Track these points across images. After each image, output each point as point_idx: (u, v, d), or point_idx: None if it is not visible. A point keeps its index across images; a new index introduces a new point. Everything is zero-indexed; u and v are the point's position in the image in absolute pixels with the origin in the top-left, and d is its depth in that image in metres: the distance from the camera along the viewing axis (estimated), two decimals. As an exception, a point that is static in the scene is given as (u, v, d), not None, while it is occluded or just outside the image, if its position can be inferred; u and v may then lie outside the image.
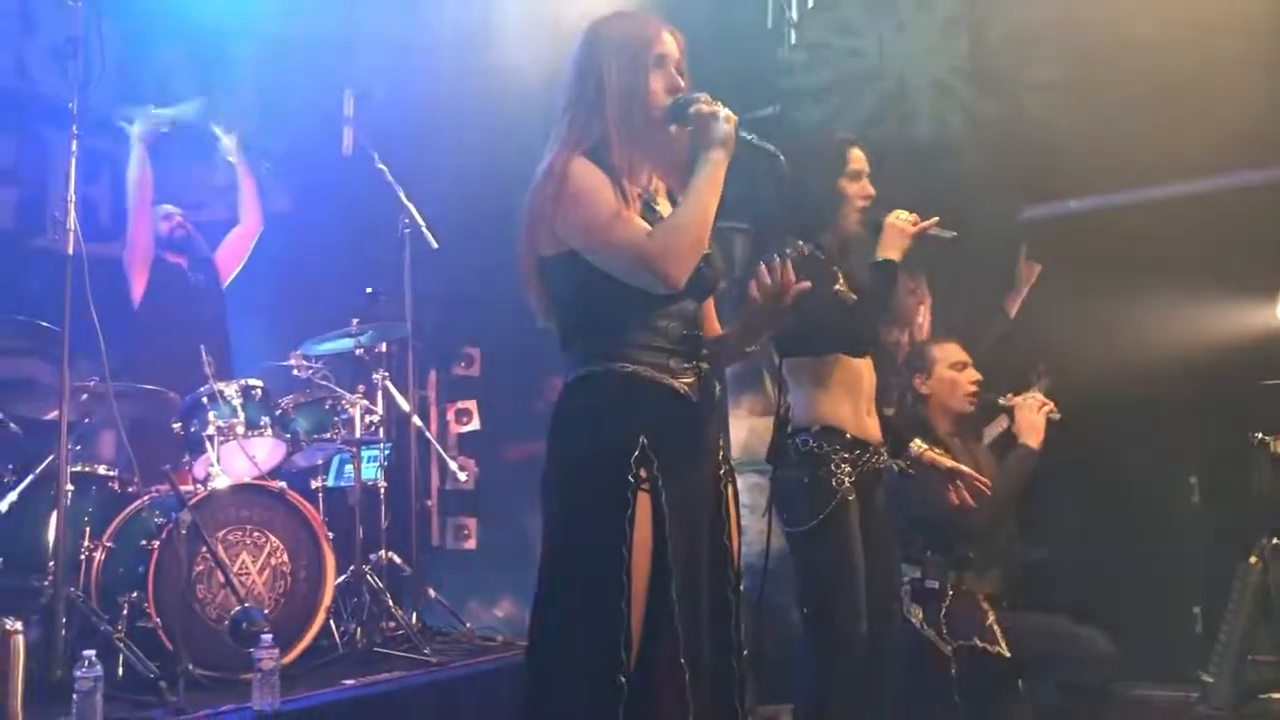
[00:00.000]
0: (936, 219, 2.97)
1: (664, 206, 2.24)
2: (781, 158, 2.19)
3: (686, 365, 2.16)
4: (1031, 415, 3.49)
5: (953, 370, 3.61)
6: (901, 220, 2.94)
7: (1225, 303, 4.40)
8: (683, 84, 2.21)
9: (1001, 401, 3.61)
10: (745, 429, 4.93)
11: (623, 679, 1.98)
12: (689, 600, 2.07)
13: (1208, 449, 4.40)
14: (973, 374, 3.62)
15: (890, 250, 2.93)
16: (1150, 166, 4.45)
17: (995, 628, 3.39)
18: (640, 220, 2.12)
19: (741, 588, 2.21)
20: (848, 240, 3.04)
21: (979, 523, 3.42)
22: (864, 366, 2.98)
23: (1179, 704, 3.90)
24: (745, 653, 2.22)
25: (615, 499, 2.04)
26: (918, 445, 3.15)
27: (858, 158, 2.99)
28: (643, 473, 2.06)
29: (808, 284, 2.17)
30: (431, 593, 4.75)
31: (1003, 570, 3.58)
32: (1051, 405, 3.52)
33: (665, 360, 2.13)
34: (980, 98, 4.63)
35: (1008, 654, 3.35)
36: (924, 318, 4.41)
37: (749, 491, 4.71)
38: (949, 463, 3.12)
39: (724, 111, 2.14)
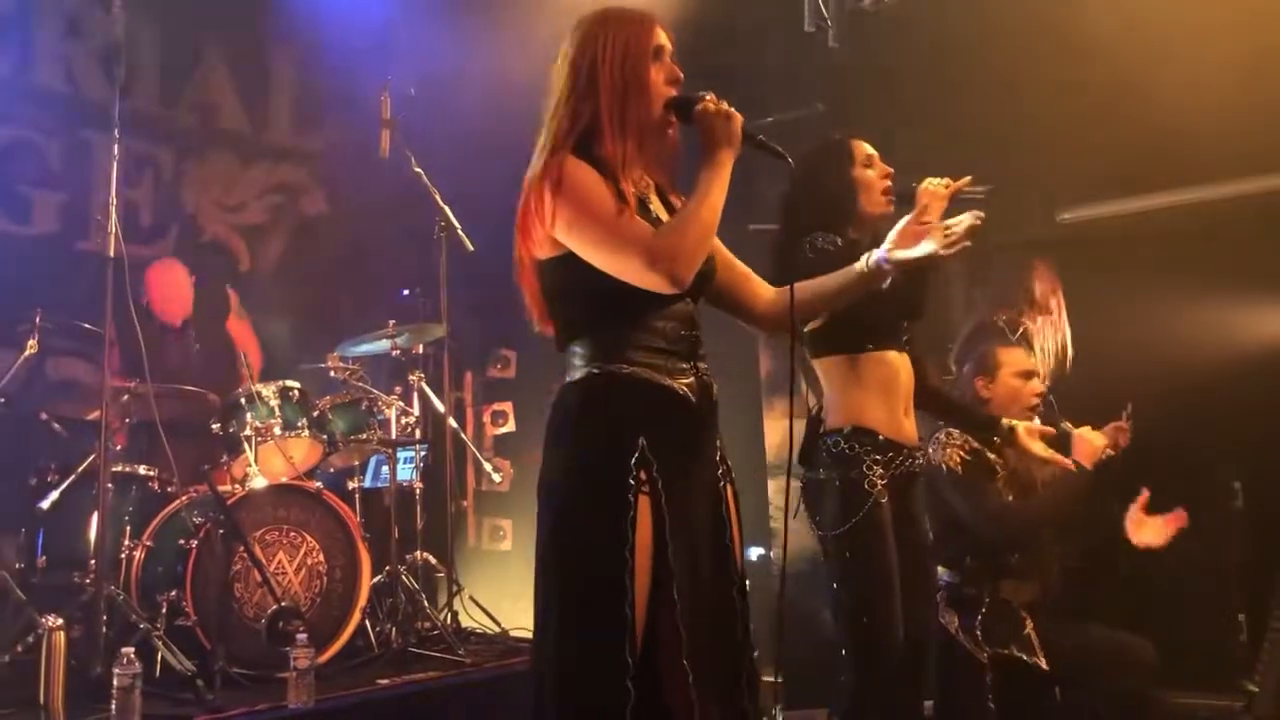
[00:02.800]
0: (969, 177, 2.88)
1: (656, 204, 2.20)
2: (789, 159, 2.16)
3: (684, 366, 2.13)
4: (1091, 439, 3.39)
5: (1018, 379, 3.50)
6: (933, 184, 2.87)
7: (1270, 304, 4.33)
8: (680, 74, 2.18)
9: (1064, 426, 3.46)
10: (779, 432, 4.91)
11: (629, 683, 1.96)
12: (691, 602, 2.04)
13: (1252, 453, 4.32)
14: (1037, 385, 3.52)
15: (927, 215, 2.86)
16: (1198, 166, 4.38)
17: (1033, 637, 3.32)
18: (641, 220, 2.09)
19: (747, 588, 2.17)
20: (879, 230, 2.98)
21: (1023, 529, 3.36)
22: (901, 364, 2.91)
23: (1223, 713, 3.83)
24: (756, 654, 2.19)
25: (616, 502, 2.01)
26: (1010, 423, 3.10)
27: (862, 146, 2.95)
28: (643, 475, 2.04)
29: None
30: (467, 594, 4.76)
31: (1043, 579, 3.51)
32: (1109, 444, 3.41)
33: (663, 361, 2.11)
34: (1029, 93, 4.57)
35: (1045, 666, 3.28)
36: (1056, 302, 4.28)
37: (783, 494, 4.69)
38: (1042, 450, 3.07)
39: (731, 110, 2.11)
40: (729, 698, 2.10)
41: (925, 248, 2.20)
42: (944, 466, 3.35)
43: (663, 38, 2.17)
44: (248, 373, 4.50)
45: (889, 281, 2.26)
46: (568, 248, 2.08)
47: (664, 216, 2.18)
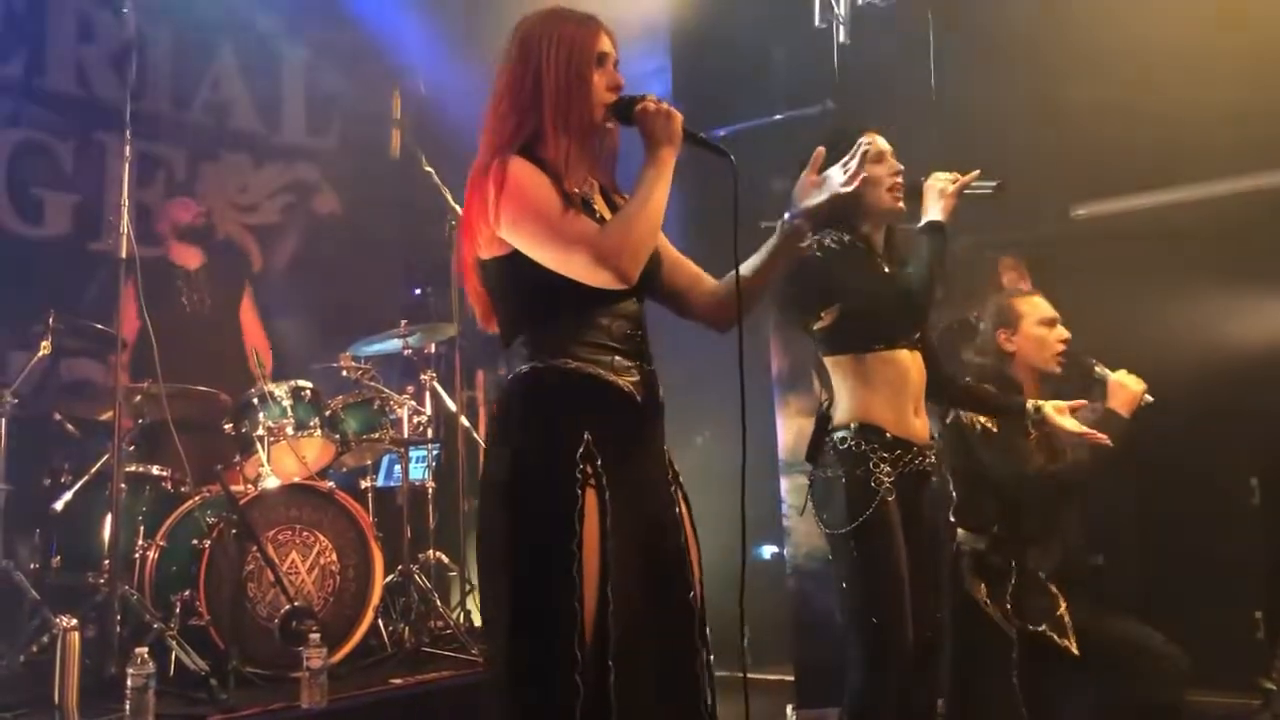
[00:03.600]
0: (977, 171, 2.85)
1: (600, 204, 2.21)
2: (730, 156, 2.17)
3: (630, 364, 2.14)
4: (1128, 384, 3.24)
5: (1041, 327, 3.37)
6: (941, 180, 2.84)
7: (1288, 300, 4.29)
8: (622, 81, 2.19)
9: (1096, 369, 3.33)
10: (793, 430, 4.89)
11: (578, 678, 1.96)
12: (629, 601, 2.03)
13: (1268, 450, 4.28)
14: (1062, 332, 3.38)
15: (934, 212, 2.81)
16: (1210, 162, 4.34)
17: (1066, 618, 3.21)
18: (587, 218, 2.10)
19: (695, 595, 2.15)
20: (891, 234, 2.96)
21: (1058, 489, 3.26)
22: (911, 362, 2.88)
23: (1240, 712, 3.80)
24: (712, 657, 2.17)
25: (562, 495, 2.02)
26: (1035, 403, 3.05)
27: (874, 141, 2.91)
28: (588, 469, 2.04)
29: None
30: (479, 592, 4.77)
31: (1065, 549, 3.37)
32: (1146, 389, 3.26)
33: (609, 358, 2.11)
34: (1035, 93, 4.55)
35: (1075, 652, 3.18)
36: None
37: (796, 493, 4.68)
38: (1074, 425, 2.99)
39: (671, 109, 2.13)
40: (686, 700, 2.10)
41: (826, 190, 2.21)
42: (977, 425, 3.26)
43: (606, 43, 2.19)
44: (260, 372, 4.49)
45: (806, 241, 2.29)
46: (513, 247, 2.09)
47: (608, 216, 2.19)
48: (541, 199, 2.07)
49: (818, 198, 2.22)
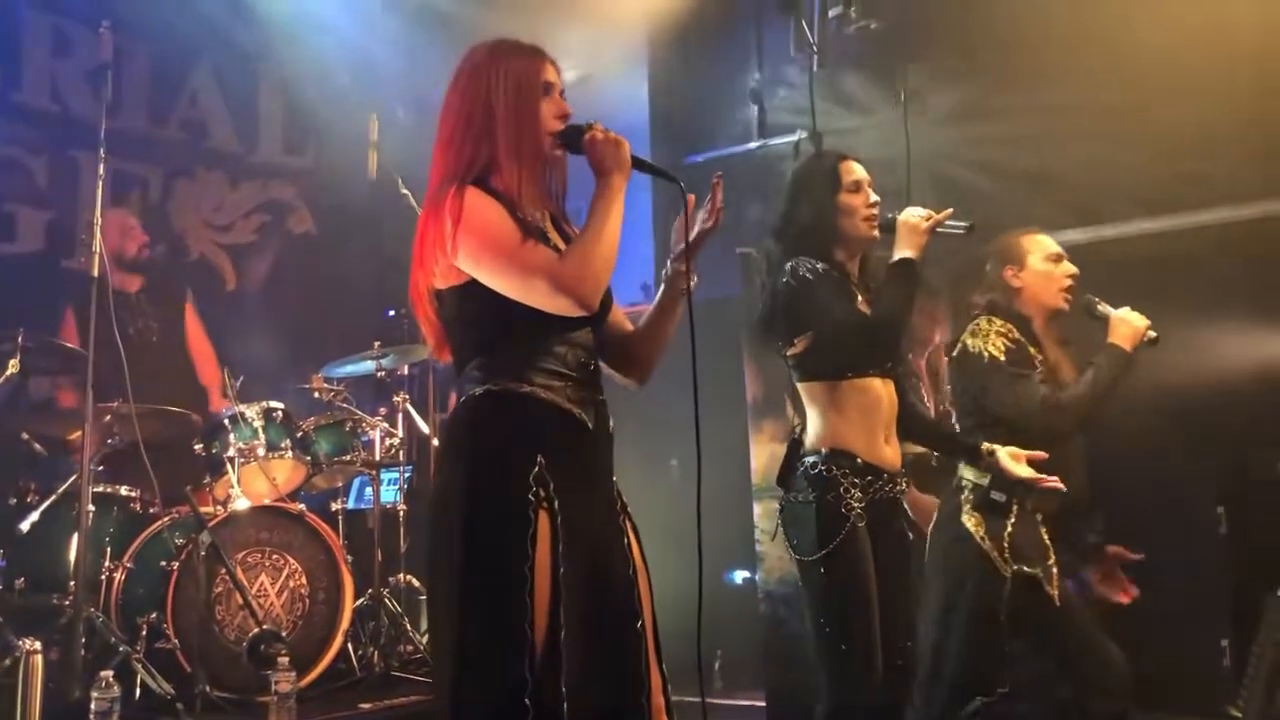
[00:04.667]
0: (950, 210, 2.88)
1: (552, 234, 2.23)
2: (680, 183, 2.21)
3: (583, 393, 2.16)
4: (1131, 319, 3.19)
5: (1047, 262, 3.29)
6: (914, 217, 2.86)
7: (1254, 329, 4.34)
8: (569, 110, 2.22)
9: (1099, 306, 3.28)
10: (767, 454, 4.90)
11: (528, 701, 1.96)
12: (580, 629, 2.03)
13: (1235, 478, 4.33)
14: (1068, 267, 3.30)
15: (906, 248, 2.82)
16: (1184, 191, 4.40)
17: (1054, 570, 3.14)
18: (544, 247, 2.13)
19: (644, 624, 2.14)
20: (866, 260, 2.99)
21: (1065, 422, 3.15)
22: (883, 391, 2.89)
23: (1207, 739, 3.83)
24: (668, 685, 2.18)
25: (515, 517, 2.03)
26: (990, 447, 3.04)
27: (852, 169, 2.92)
28: (541, 491, 2.05)
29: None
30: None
31: (1060, 518, 3.24)
32: (1150, 324, 3.22)
33: (561, 384, 2.13)
34: (1012, 119, 4.60)
35: (1058, 603, 3.12)
36: (940, 338, 4.26)
37: (768, 518, 4.69)
38: (1024, 472, 2.99)
39: (619, 138, 2.16)
40: None
41: (694, 232, 2.27)
42: (985, 354, 3.17)
43: (552, 73, 2.22)
44: (231, 394, 4.46)
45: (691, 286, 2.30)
46: (469, 277, 2.10)
47: (561, 245, 2.20)
48: (500, 229, 2.08)
49: (682, 241, 2.26)
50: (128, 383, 3.90)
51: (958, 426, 3.31)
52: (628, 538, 2.21)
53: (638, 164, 2.19)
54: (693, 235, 2.26)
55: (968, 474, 3.23)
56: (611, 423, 2.22)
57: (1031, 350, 3.22)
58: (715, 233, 2.29)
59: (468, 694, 2.01)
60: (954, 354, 3.32)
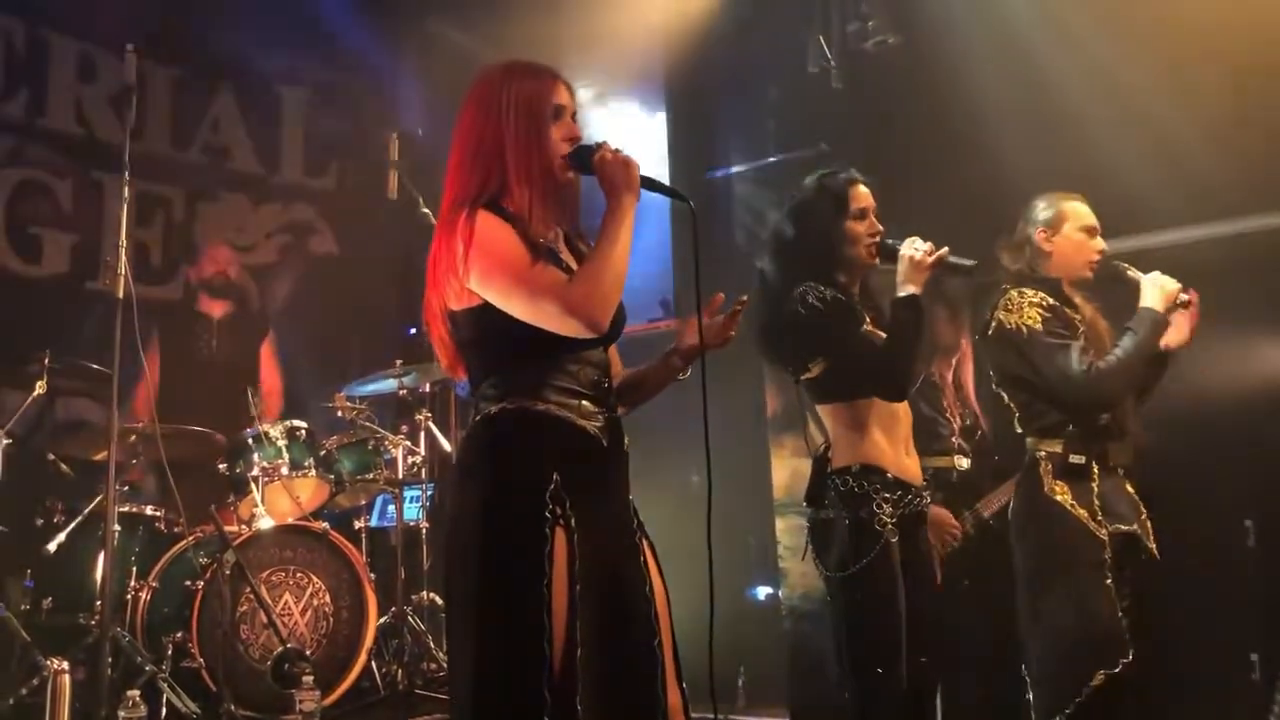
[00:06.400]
0: (946, 249, 2.86)
1: (565, 254, 2.24)
2: (690, 202, 2.21)
3: (597, 410, 2.16)
4: (1163, 282, 3.13)
5: (1082, 233, 3.24)
6: (917, 251, 2.85)
7: (1282, 340, 4.31)
8: (579, 133, 2.23)
9: (1129, 272, 3.22)
10: (788, 470, 4.89)
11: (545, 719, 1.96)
12: (597, 646, 2.03)
13: (1264, 491, 4.29)
14: (1100, 243, 3.25)
15: (910, 285, 2.81)
16: (1208, 201, 4.38)
17: (1149, 523, 3.09)
18: (555, 269, 2.13)
19: (661, 642, 2.12)
20: (867, 280, 2.99)
21: (1109, 395, 3.07)
22: (900, 408, 2.89)
23: (1238, 754, 3.78)
24: (687, 702, 2.16)
25: (532, 535, 2.02)
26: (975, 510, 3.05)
27: (861, 195, 2.92)
28: (558, 509, 2.05)
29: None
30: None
31: (1135, 439, 3.17)
32: (1182, 287, 3.15)
33: (576, 403, 2.14)
34: (1035, 133, 4.58)
35: (1157, 556, 3.06)
36: (966, 349, 4.22)
37: (790, 534, 4.67)
38: (951, 525, 3.01)
39: (628, 157, 2.16)
40: None
41: (701, 339, 2.28)
42: (1023, 328, 3.09)
43: (564, 95, 2.22)
44: (255, 413, 4.49)
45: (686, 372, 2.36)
46: (483, 299, 2.11)
47: (574, 264, 2.21)
48: (510, 252, 2.09)
49: (691, 340, 2.29)
50: (152, 403, 3.92)
51: (1011, 406, 3.23)
52: (644, 556, 2.20)
53: (647, 184, 2.19)
54: (692, 340, 2.28)
55: (1038, 445, 3.14)
56: (627, 440, 2.22)
57: (1068, 312, 3.16)
58: (721, 349, 2.31)
59: (485, 714, 2.00)
60: (989, 333, 3.23)
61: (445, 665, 4.38)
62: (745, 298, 2.37)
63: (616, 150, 2.17)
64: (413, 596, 4.70)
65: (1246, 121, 4.16)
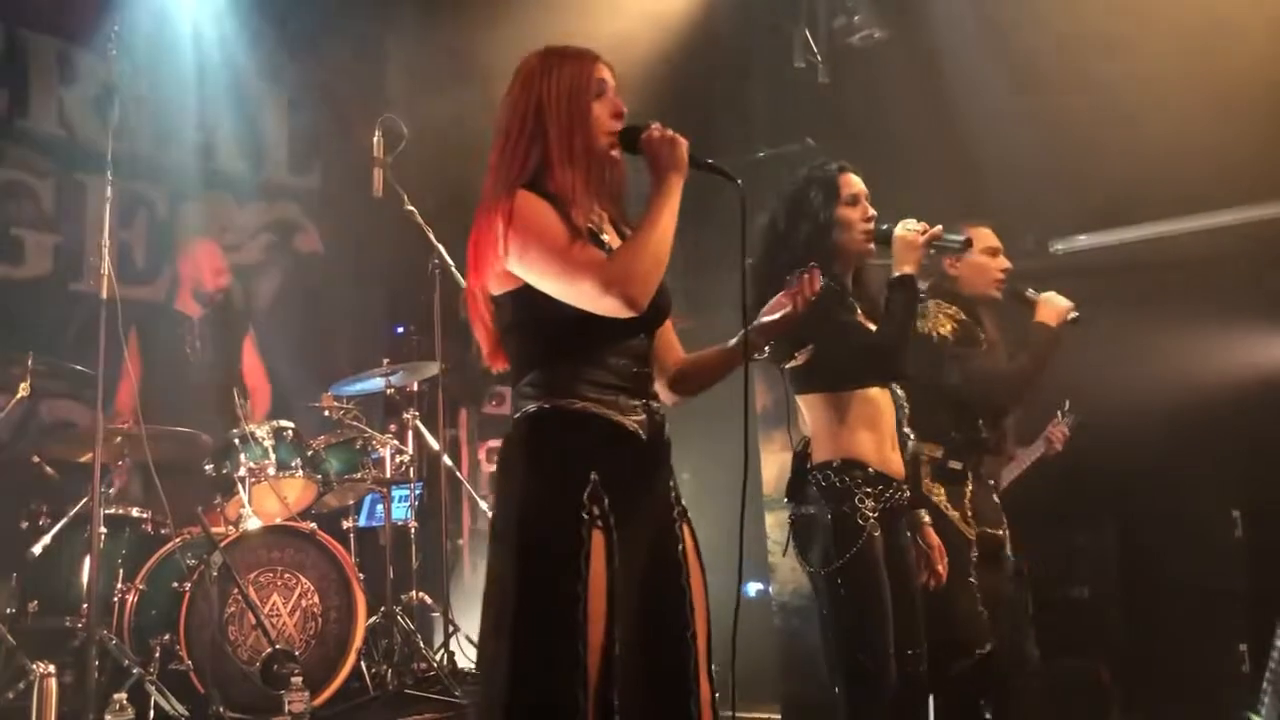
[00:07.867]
0: (939, 227, 2.89)
1: (610, 235, 2.22)
2: (739, 182, 2.19)
3: (636, 403, 2.14)
4: (1055, 301, 3.43)
5: (985, 254, 3.47)
6: (910, 232, 2.87)
7: (1268, 333, 4.33)
8: (624, 108, 2.21)
9: (1028, 292, 3.49)
10: (777, 466, 4.89)
11: None
12: (634, 642, 2.03)
13: (1250, 483, 4.31)
14: (1003, 262, 3.50)
15: (905, 265, 2.84)
16: (1195, 194, 4.40)
17: (1006, 532, 3.39)
18: (594, 247, 2.11)
19: (695, 633, 2.13)
20: (861, 269, 2.99)
21: (1009, 392, 3.43)
22: (883, 400, 2.89)
23: (1227, 745, 3.80)
24: (716, 694, 2.17)
25: (569, 536, 2.02)
26: (923, 515, 3.09)
27: (851, 182, 2.94)
28: (595, 510, 2.04)
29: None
30: (463, 634, 4.73)
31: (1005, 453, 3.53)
32: (1073, 305, 3.44)
33: (615, 397, 2.12)
34: (1020, 128, 4.60)
35: (1012, 557, 3.36)
36: None
37: (780, 530, 4.67)
38: (935, 541, 3.06)
39: (676, 136, 2.15)
40: None
41: (781, 309, 2.32)
42: (934, 335, 3.34)
43: (605, 72, 2.21)
44: (242, 412, 4.47)
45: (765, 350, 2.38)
46: (523, 282, 2.10)
47: (618, 246, 2.19)
48: (548, 229, 2.07)
49: (775, 315, 2.31)
50: (138, 405, 3.89)
51: (905, 407, 3.35)
52: (684, 544, 2.19)
53: (695, 163, 2.16)
54: (776, 316, 2.30)
55: (921, 449, 3.29)
56: (668, 429, 2.20)
57: (976, 329, 3.42)
58: (795, 317, 2.32)
59: (517, 714, 2.00)
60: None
61: (438, 665, 4.39)
62: (815, 265, 2.36)
63: (664, 129, 2.15)
64: (402, 596, 4.68)
65: (1228, 117, 4.18)
